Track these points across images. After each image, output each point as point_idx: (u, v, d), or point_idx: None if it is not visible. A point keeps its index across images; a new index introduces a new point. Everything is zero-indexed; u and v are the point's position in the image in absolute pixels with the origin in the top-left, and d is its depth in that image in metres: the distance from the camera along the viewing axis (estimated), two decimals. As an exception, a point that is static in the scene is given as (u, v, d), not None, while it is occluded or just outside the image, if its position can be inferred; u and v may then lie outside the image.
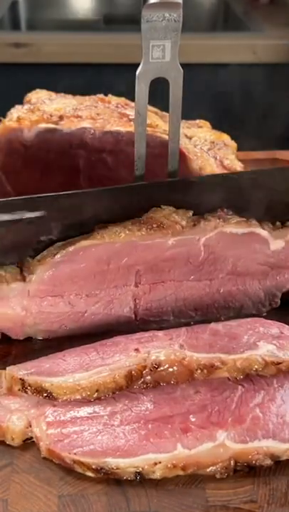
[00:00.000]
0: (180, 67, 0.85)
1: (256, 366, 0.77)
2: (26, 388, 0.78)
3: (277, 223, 0.95)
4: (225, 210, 0.92)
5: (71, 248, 0.88)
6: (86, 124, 1.14)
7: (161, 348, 0.79)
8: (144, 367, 0.77)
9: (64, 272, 0.89)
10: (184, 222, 0.90)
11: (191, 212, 0.91)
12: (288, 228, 0.95)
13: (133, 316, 0.95)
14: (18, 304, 0.90)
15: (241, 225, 0.92)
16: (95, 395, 0.76)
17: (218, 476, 0.74)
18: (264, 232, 0.93)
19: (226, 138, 1.25)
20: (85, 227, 0.90)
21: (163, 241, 0.90)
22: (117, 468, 0.73)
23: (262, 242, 0.94)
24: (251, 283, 0.97)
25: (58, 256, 0.88)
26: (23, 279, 0.90)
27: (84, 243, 0.88)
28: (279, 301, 1.00)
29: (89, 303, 0.93)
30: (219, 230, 0.90)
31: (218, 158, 1.19)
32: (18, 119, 1.15)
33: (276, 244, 0.94)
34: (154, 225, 0.89)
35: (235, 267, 0.95)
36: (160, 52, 0.82)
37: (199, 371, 0.77)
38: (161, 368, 0.77)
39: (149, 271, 0.92)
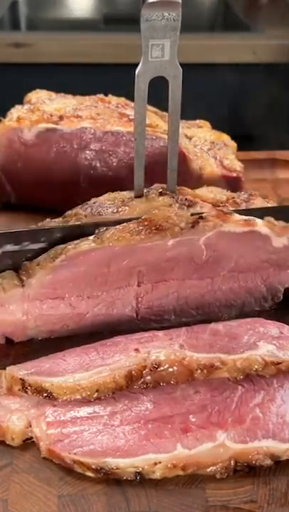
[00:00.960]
0: (179, 66, 0.84)
1: (256, 366, 0.77)
2: (26, 388, 0.78)
3: (281, 221, 0.94)
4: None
5: (70, 253, 0.87)
6: (86, 124, 1.15)
7: (161, 348, 0.79)
8: (144, 367, 0.77)
9: (64, 275, 0.88)
10: (182, 224, 0.89)
11: (190, 212, 0.91)
12: None
13: (134, 315, 0.95)
14: (19, 309, 0.90)
15: (240, 223, 0.91)
16: (95, 395, 0.76)
17: (218, 476, 0.74)
18: (265, 230, 0.92)
19: (225, 138, 1.25)
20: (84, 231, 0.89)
21: (162, 242, 0.89)
22: (117, 468, 0.73)
23: (263, 239, 0.93)
24: (253, 279, 0.97)
25: (58, 260, 0.87)
26: (21, 284, 0.89)
27: (83, 248, 0.87)
28: (281, 296, 1.00)
29: (90, 304, 0.92)
30: (218, 230, 0.90)
31: (218, 158, 1.19)
32: (18, 119, 1.15)
33: (279, 241, 0.93)
34: (153, 228, 0.88)
35: (237, 264, 0.95)
36: (159, 51, 0.83)
37: (199, 371, 0.77)
38: (161, 368, 0.76)
39: (151, 271, 0.92)
